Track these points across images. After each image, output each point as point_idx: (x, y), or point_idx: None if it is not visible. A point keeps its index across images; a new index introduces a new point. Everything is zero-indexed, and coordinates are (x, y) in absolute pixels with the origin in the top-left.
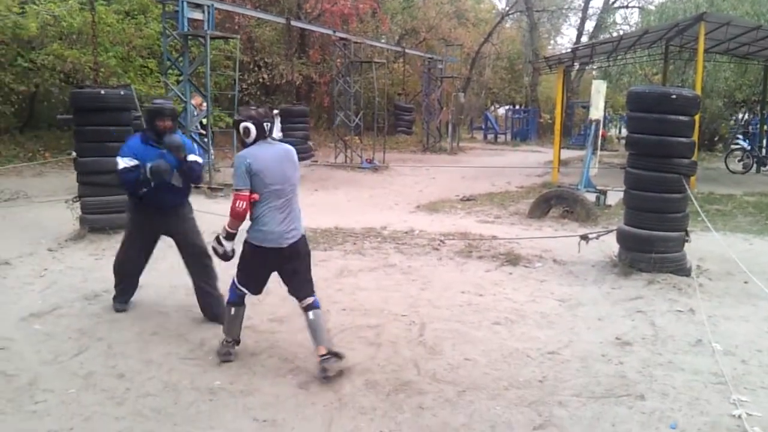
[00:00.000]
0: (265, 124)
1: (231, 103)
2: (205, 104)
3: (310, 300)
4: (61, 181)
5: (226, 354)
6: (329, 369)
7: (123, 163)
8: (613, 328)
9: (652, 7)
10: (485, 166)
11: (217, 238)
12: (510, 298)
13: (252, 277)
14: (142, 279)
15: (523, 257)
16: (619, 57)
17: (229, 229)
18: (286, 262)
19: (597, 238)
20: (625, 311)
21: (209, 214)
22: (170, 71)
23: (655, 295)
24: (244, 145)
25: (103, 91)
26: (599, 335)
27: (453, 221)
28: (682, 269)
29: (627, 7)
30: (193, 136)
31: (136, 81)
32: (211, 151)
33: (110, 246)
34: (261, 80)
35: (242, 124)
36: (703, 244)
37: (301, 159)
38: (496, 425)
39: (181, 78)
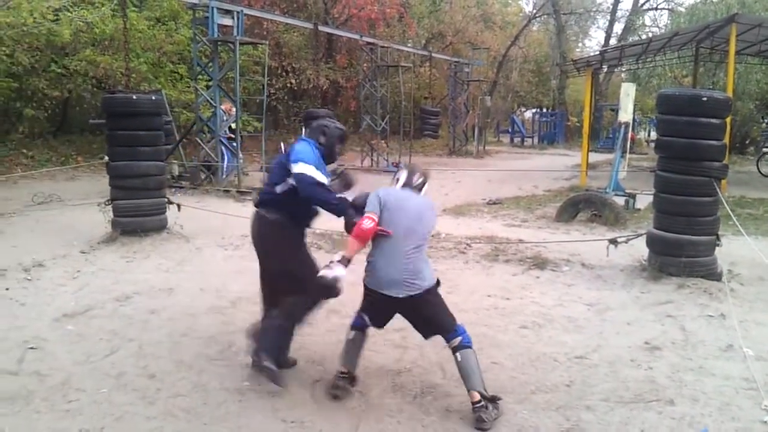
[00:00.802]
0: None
1: (259, 107)
2: (234, 109)
3: (455, 342)
4: (94, 185)
5: (335, 388)
6: (486, 420)
7: (323, 178)
8: (642, 333)
9: (682, 9)
10: (512, 170)
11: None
12: (537, 302)
13: (372, 311)
14: (173, 282)
15: (550, 261)
16: (648, 59)
17: (345, 254)
18: (408, 312)
19: (626, 242)
20: (654, 316)
21: (237, 217)
22: (200, 76)
23: (685, 300)
24: None
25: (134, 96)
26: (628, 340)
27: (479, 225)
28: (712, 274)
29: (656, 9)
30: (223, 140)
31: (166, 86)
32: (240, 156)
33: (141, 249)
34: (289, 85)
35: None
36: (735, 248)
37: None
38: (524, 429)
39: (210, 83)
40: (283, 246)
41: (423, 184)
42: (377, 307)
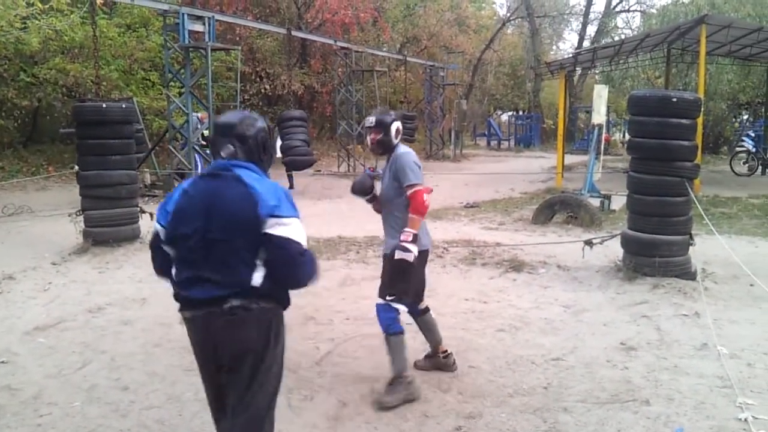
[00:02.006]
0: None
1: None
2: (207, 117)
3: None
4: (65, 195)
5: (410, 394)
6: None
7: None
8: (618, 334)
9: (653, 11)
10: (489, 173)
11: (403, 247)
12: (514, 305)
13: (416, 285)
14: (146, 292)
15: (527, 263)
16: (621, 61)
17: (415, 231)
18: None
19: (601, 243)
20: (629, 316)
21: None
22: (172, 83)
23: (660, 300)
24: (385, 148)
25: (105, 105)
26: (604, 341)
27: (457, 228)
28: (686, 273)
29: (628, 11)
30: (196, 148)
31: (138, 94)
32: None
33: (113, 259)
34: (263, 91)
35: (396, 124)
36: (708, 247)
37: (301, 167)
38: None
39: (183, 90)
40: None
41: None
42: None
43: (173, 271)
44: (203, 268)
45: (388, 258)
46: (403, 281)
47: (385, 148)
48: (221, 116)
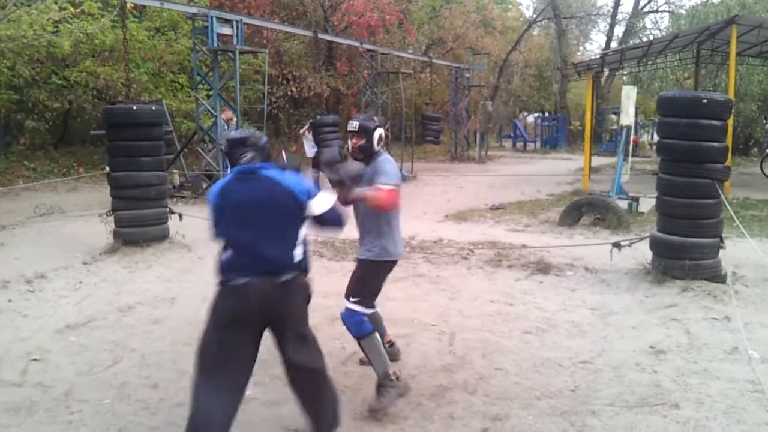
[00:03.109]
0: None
1: (260, 116)
2: (234, 118)
3: None
4: (95, 196)
5: (400, 389)
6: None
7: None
8: (646, 337)
9: (682, 11)
10: (514, 174)
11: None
12: (541, 307)
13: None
14: (175, 291)
15: (553, 266)
16: (649, 62)
17: (364, 194)
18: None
19: (629, 245)
20: (658, 319)
21: None
22: (200, 86)
23: (689, 303)
24: (366, 154)
25: (135, 107)
26: (632, 344)
27: (482, 230)
28: (716, 276)
29: (657, 11)
30: (223, 149)
31: (167, 96)
32: None
33: (143, 259)
34: (289, 93)
35: (379, 131)
36: (739, 250)
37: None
38: None
39: (211, 92)
40: None
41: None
42: (381, 281)
43: (229, 251)
44: (258, 248)
45: (360, 262)
46: (367, 285)
47: (366, 154)
48: (232, 134)
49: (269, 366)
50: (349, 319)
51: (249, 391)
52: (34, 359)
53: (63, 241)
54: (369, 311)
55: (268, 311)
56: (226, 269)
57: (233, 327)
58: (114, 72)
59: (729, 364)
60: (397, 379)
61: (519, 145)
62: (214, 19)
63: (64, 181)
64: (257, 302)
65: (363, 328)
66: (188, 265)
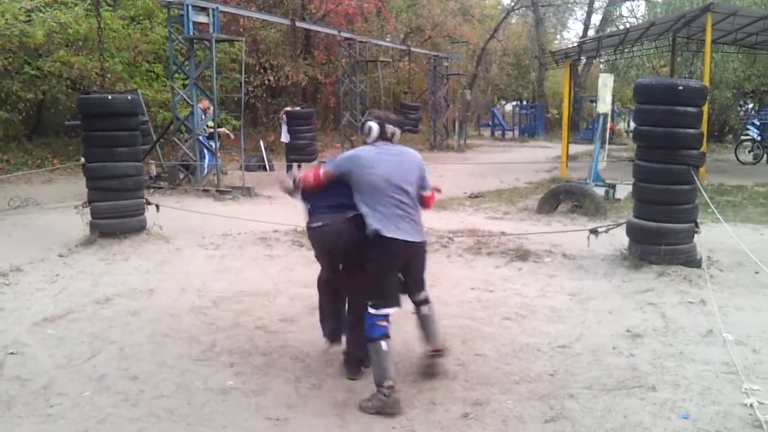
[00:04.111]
0: (387, 125)
1: (237, 105)
2: (211, 107)
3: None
4: (71, 187)
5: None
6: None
7: None
8: (623, 321)
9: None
10: (493, 163)
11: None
12: (520, 294)
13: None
14: (153, 283)
15: (532, 252)
16: (626, 50)
17: (298, 179)
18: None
19: (606, 231)
20: (635, 304)
21: (217, 216)
22: (176, 75)
23: (665, 287)
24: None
25: (110, 97)
26: (610, 328)
27: (461, 218)
28: (692, 261)
29: None
30: (201, 140)
31: (142, 86)
32: (219, 155)
33: (120, 250)
34: (267, 82)
35: (367, 125)
36: (714, 235)
37: (307, 160)
38: (508, 419)
39: (187, 82)
40: None
41: (394, 130)
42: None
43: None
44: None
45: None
46: (371, 284)
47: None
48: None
49: (249, 356)
50: (367, 320)
51: (229, 382)
52: (11, 353)
53: (38, 233)
54: (381, 312)
55: (341, 240)
56: (317, 213)
57: (328, 249)
58: (88, 62)
59: (704, 346)
60: (392, 393)
61: (497, 133)
62: (190, 8)
63: (39, 173)
64: (336, 232)
65: (371, 331)
66: (166, 256)
